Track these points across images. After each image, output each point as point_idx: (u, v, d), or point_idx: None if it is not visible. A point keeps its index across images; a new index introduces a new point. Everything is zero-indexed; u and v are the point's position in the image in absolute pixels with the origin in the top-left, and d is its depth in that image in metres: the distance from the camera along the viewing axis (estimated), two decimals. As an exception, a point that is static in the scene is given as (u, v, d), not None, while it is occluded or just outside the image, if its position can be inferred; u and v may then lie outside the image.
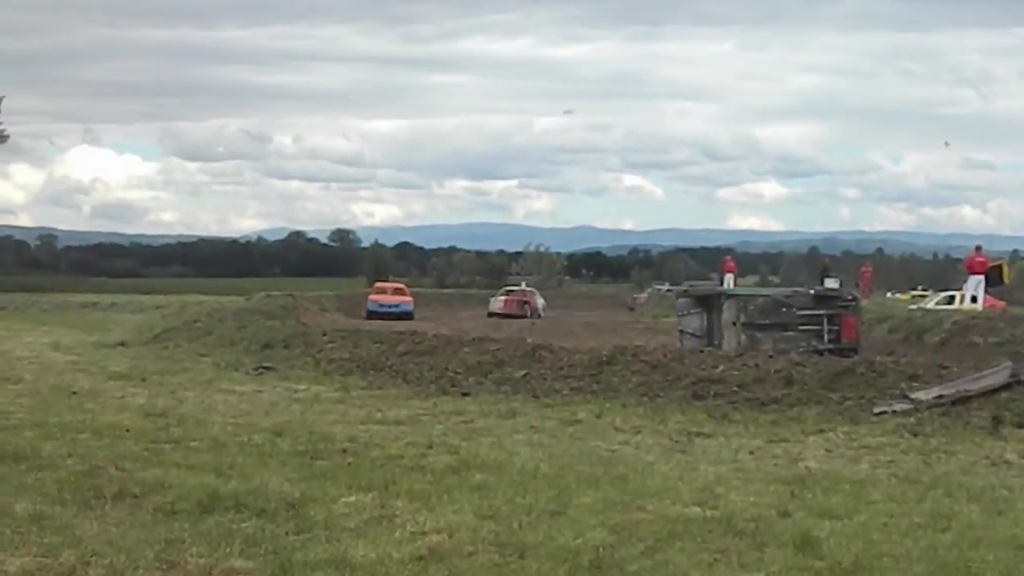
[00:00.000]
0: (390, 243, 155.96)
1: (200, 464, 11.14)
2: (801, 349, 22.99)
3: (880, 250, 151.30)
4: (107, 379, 20.69)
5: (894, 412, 15.19)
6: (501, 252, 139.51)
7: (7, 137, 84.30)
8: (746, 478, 10.96)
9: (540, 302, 61.77)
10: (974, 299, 35.63)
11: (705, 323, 26.52)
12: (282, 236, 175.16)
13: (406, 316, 52.32)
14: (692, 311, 27.18)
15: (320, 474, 10.71)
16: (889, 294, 71.73)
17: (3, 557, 7.40)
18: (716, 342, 25.39)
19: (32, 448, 11.69)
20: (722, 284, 46.68)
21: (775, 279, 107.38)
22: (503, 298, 60.88)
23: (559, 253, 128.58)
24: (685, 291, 30.57)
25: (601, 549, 7.86)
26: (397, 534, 8.25)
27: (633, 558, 7.71)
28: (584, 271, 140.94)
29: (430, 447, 12.69)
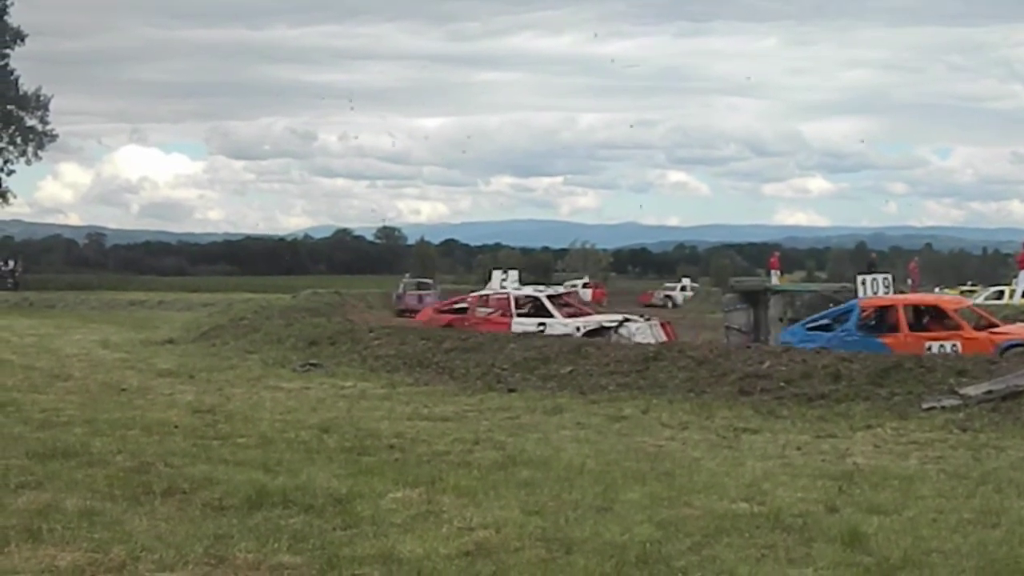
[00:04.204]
0: (436, 240, 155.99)
1: (248, 460, 11.20)
2: (848, 345, 22.83)
3: (928, 245, 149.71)
4: (155, 376, 20.83)
5: (943, 408, 15.09)
6: (546, 249, 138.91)
7: (56, 137, 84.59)
8: (793, 474, 10.92)
9: None
10: (1024, 294, 35.28)
11: (751, 319, 26.48)
12: (328, 234, 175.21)
13: None
14: (738, 307, 27.12)
15: (367, 470, 10.74)
16: (937, 289, 71.10)
17: (54, 552, 7.47)
18: (763, 338, 25.33)
19: (82, 445, 11.78)
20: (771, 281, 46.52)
21: (822, 275, 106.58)
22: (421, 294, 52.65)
23: (605, 249, 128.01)
24: (731, 287, 30.46)
25: (648, 545, 7.85)
26: (444, 529, 8.27)
27: (680, 554, 7.70)
28: (630, 267, 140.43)
29: (476, 443, 12.72)
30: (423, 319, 30.54)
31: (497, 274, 34.53)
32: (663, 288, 75.16)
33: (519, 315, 28.54)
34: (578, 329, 26.69)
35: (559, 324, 27.30)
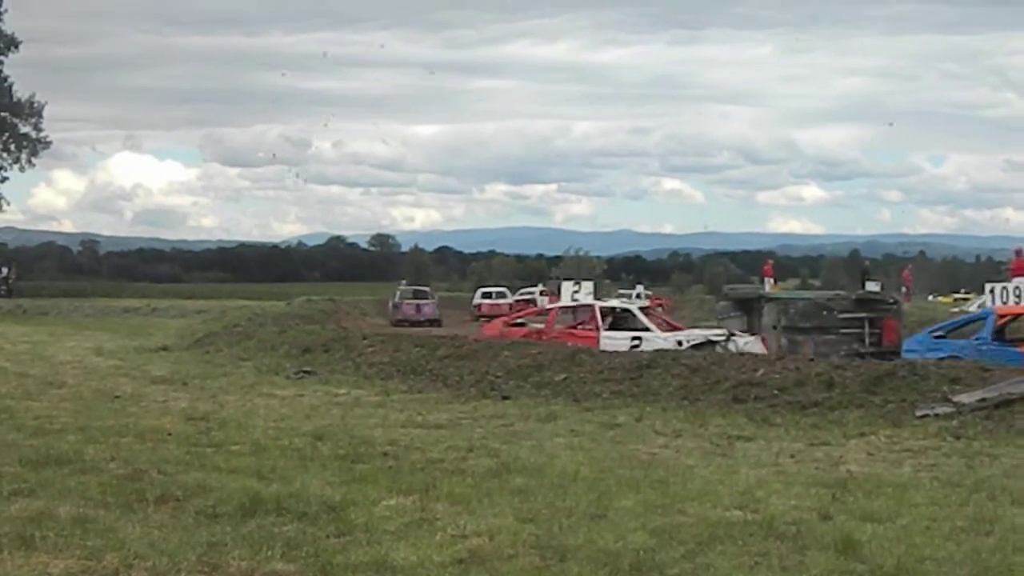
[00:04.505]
0: (429, 247, 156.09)
1: (241, 468, 11.19)
2: (842, 352, 22.91)
3: (922, 253, 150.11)
4: (149, 383, 20.82)
5: (936, 415, 15.09)
6: (540, 256, 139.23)
7: (50, 144, 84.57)
8: (787, 481, 10.91)
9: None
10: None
11: (745, 326, 26.49)
12: (322, 241, 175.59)
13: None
14: (732, 315, 27.15)
15: (361, 477, 10.73)
16: (931, 297, 71.24)
17: (47, 560, 7.46)
18: (756, 345, 25.32)
19: (75, 452, 11.78)
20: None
21: (816, 282, 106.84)
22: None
23: (599, 257, 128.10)
24: (725, 295, 30.47)
25: (641, 552, 7.85)
26: (438, 537, 8.27)
27: (673, 561, 7.70)
28: (624, 275, 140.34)
29: (470, 450, 12.70)
30: (491, 333, 26.81)
31: (568, 285, 30.55)
32: (616, 295, 73.67)
33: (608, 328, 25.95)
34: (680, 343, 24.09)
35: (657, 338, 24.64)
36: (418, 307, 50.48)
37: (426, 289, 59.48)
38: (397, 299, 51.91)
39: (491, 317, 54.91)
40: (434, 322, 47.42)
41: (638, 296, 70.86)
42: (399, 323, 46.87)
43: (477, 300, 62.07)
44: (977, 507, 9.63)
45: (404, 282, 63.05)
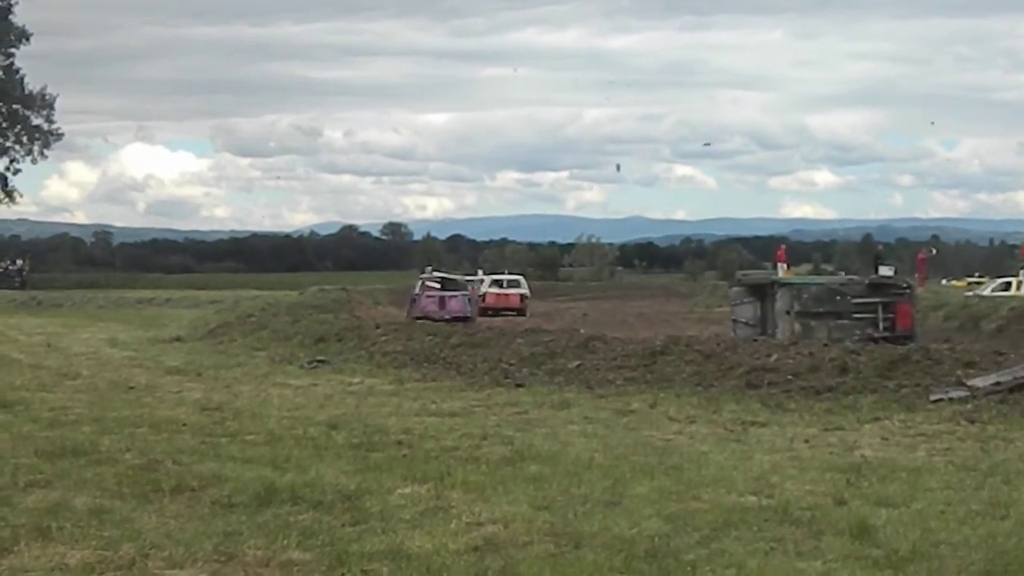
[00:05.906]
0: (442, 236, 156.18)
1: (256, 457, 11.22)
2: (856, 337, 22.88)
3: (935, 237, 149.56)
4: (163, 374, 20.89)
5: (950, 399, 15.08)
6: (553, 244, 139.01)
7: (62, 136, 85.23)
8: (801, 467, 10.91)
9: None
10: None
11: (759, 312, 26.44)
12: (334, 230, 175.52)
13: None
14: (745, 300, 27.10)
15: (375, 466, 10.75)
16: (944, 281, 71.06)
17: (64, 550, 7.48)
18: (770, 331, 25.30)
19: (91, 443, 11.82)
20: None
21: (829, 267, 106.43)
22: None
23: (611, 244, 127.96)
24: (738, 280, 30.43)
25: (657, 539, 7.85)
26: (453, 525, 8.27)
27: (689, 547, 7.70)
28: (636, 262, 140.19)
29: (484, 438, 12.71)
30: None
31: None
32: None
33: None
34: None
35: None
36: (441, 301, 39.99)
37: (456, 278, 47.57)
38: (418, 291, 42.00)
39: (498, 311, 49.52)
40: (463, 319, 37.38)
41: (481, 282, 64.03)
42: (419, 321, 35.13)
43: (484, 289, 52.05)
44: (992, 491, 9.62)
45: (429, 269, 51.13)
